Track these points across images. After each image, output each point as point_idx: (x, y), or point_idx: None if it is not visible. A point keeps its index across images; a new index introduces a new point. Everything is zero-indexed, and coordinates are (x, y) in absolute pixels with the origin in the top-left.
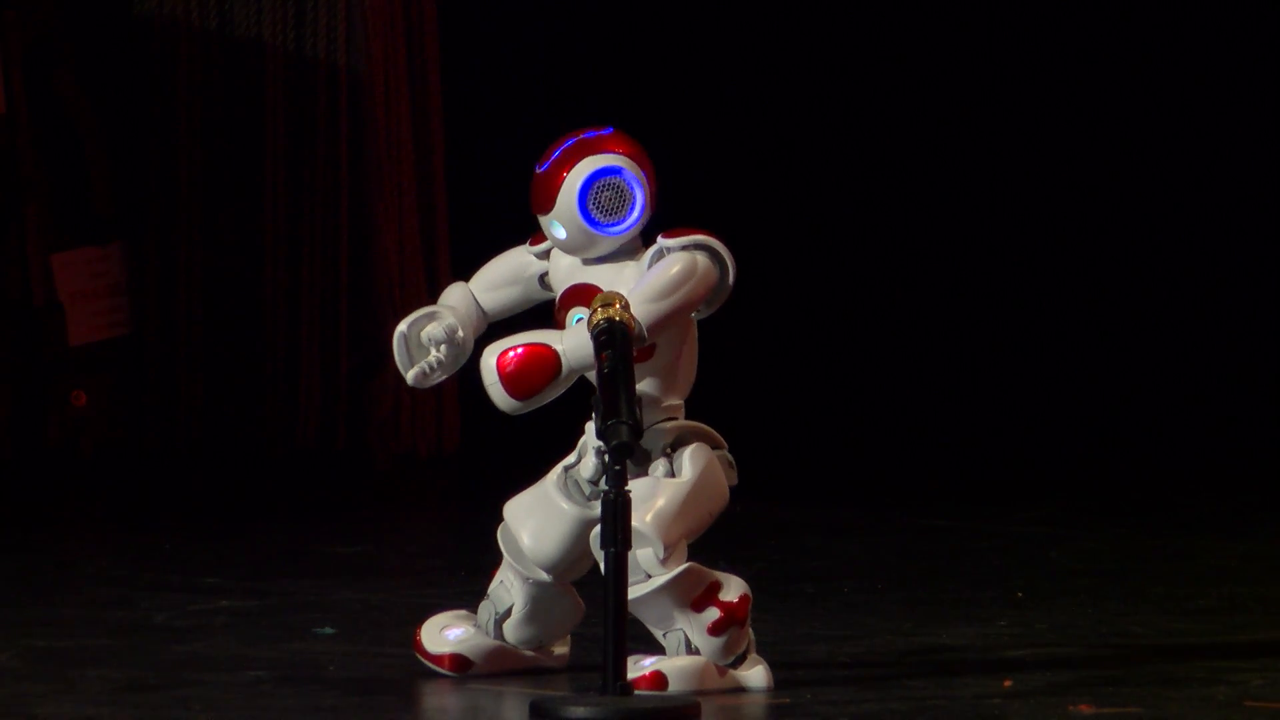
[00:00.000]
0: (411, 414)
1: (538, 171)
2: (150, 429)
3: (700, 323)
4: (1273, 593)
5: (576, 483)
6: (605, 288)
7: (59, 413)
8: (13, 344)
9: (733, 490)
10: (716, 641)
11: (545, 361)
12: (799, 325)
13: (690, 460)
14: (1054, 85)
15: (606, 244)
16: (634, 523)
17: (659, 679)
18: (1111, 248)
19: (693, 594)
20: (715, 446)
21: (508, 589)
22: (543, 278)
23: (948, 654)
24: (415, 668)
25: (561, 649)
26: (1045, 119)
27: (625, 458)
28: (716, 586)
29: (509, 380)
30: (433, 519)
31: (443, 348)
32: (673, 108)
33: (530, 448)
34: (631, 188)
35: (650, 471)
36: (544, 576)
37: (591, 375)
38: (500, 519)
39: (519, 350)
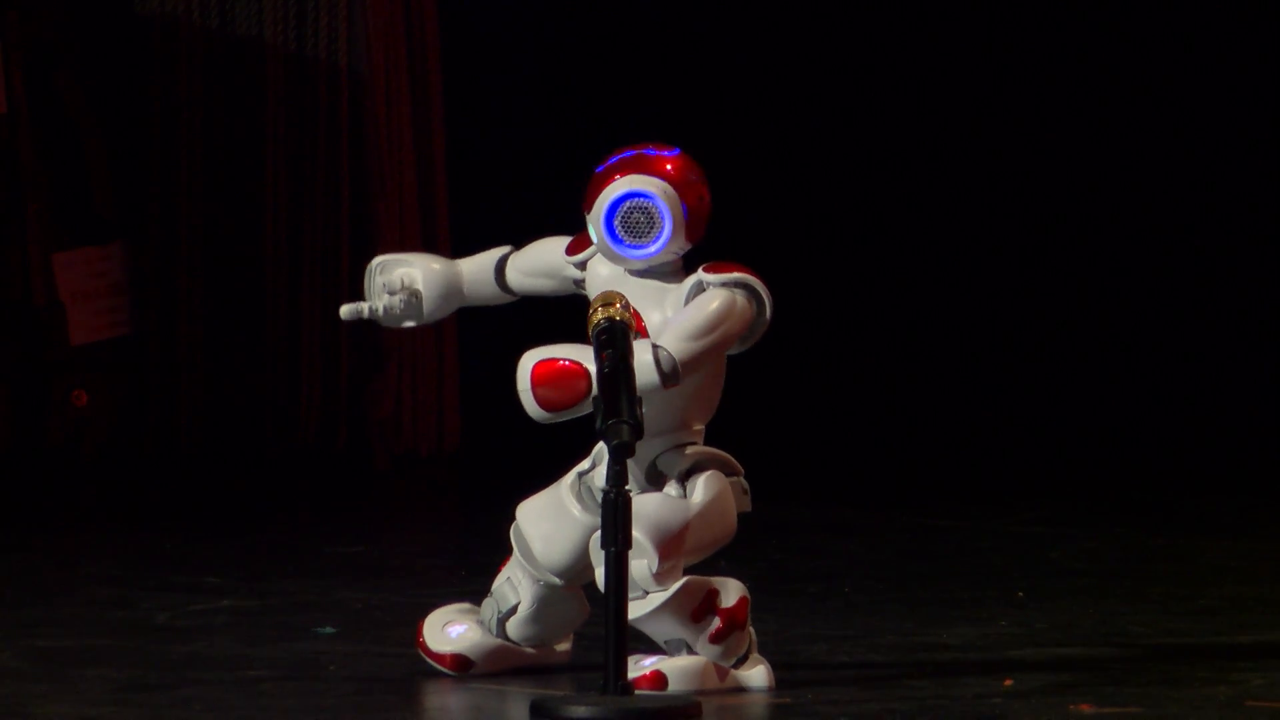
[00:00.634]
0: (412, 414)
1: (595, 171)
2: (150, 429)
3: None
4: (1273, 593)
5: (590, 490)
6: (649, 313)
7: (59, 413)
8: (13, 344)
9: (744, 517)
10: (718, 648)
11: (577, 382)
12: (799, 325)
13: (704, 486)
14: (1054, 85)
15: (632, 261)
16: (634, 532)
17: (659, 679)
18: (1112, 248)
19: (692, 606)
20: (732, 473)
21: (514, 587)
22: (578, 282)
23: (948, 654)
24: (416, 667)
25: (563, 646)
26: (1045, 119)
27: (625, 457)
28: (714, 594)
29: (539, 392)
30: (433, 519)
31: (395, 299)
32: (673, 107)
33: (530, 448)
34: (661, 216)
35: (663, 490)
36: (555, 580)
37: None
38: (512, 518)
39: (556, 364)
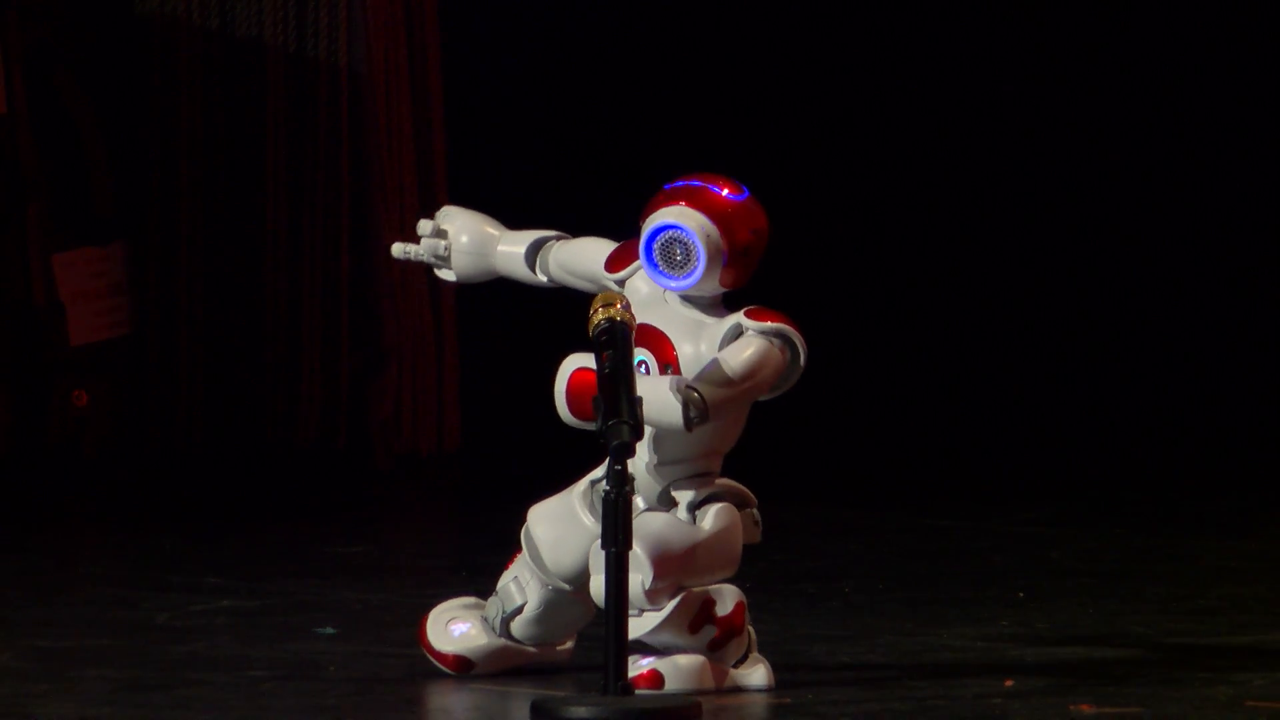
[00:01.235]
0: (413, 413)
1: (662, 188)
2: (151, 429)
3: None
4: (1273, 593)
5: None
6: (681, 344)
7: (60, 413)
8: (13, 344)
9: (751, 548)
10: (717, 654)
11: None
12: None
13: (714, 516)
14: (1053, 85)
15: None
16: (635, 546)
17: (655, 678)
18: (1112, 248)
19: (688, 619)
20: (745, 504)
21: (521, 587)
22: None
23: (948, 654)
24: (416, 667)
25: (565, 645)
26: (1044, 119)
27: (626, 458)
28: (710, 604)
29: (571, 398)
30: (433, 519)
31: (427, 244)
32: (673, 108)
33: (531, 448)
34: (696, 256)
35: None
36: (564, 586)
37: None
38: (521, 519)
39: (592, 377)
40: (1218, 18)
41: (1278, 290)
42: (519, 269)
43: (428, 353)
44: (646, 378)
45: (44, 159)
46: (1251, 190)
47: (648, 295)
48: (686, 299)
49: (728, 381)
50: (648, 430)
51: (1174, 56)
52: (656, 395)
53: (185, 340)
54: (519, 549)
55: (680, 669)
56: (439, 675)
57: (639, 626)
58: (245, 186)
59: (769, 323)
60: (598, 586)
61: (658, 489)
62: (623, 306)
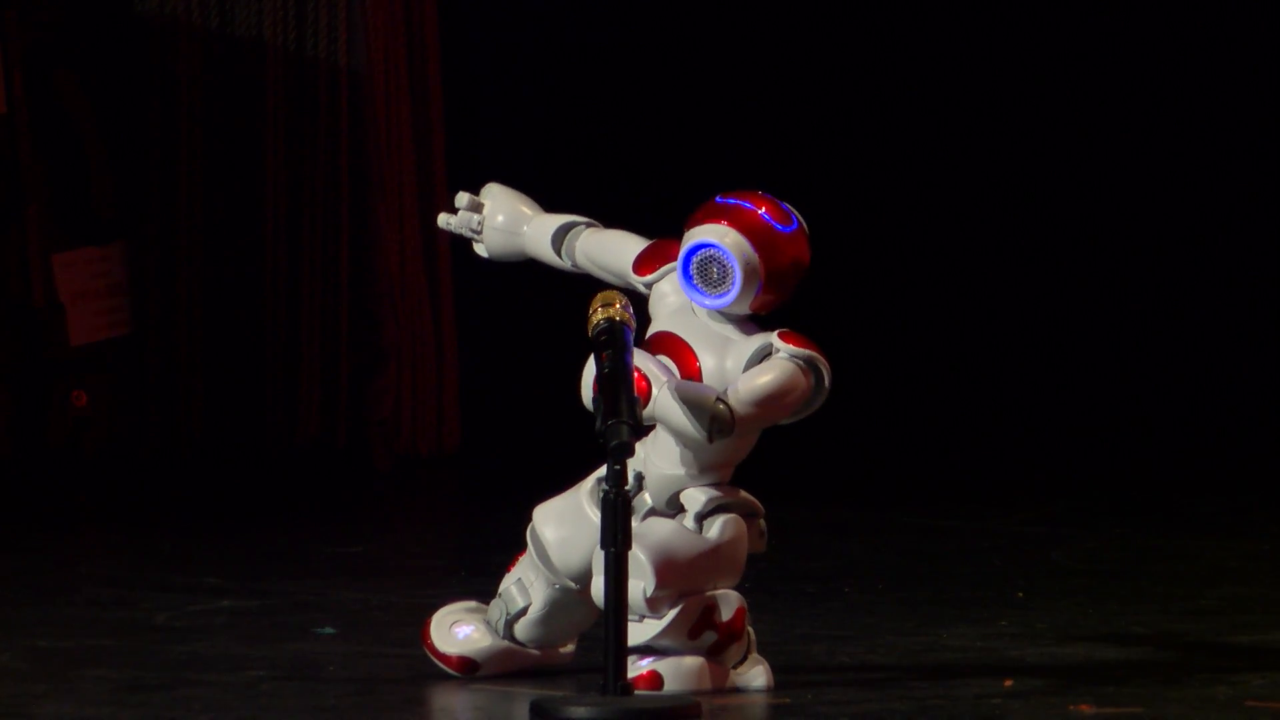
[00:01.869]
0: (412, 414)
1: (714, 200)
2: (151, 429)
3: None
4: (1273, 593)
5: None
6: (705, 356)
7: (59, 413)
8: (13, 344)
9: (755, 557)
10: (717, 657)
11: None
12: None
13: (721, 526)
14: (1052, 86)
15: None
16: (636, 548)
17: (654, 678)
18: (1112, 248)
19: (689, 625)
20: (753, 514)
21: (525, 588)
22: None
23: (948, 654)
24: (416, 667)
25: (567, 647)
26: (1044, 119)
27: (624, 457)
28: (712, 609)
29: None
30: (433, 519)
31: (463, 216)
32: (672, 108)
33: (531, 448)
34: (733, 279)
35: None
36: (571, 585)
37: (668, 428)
38: (526, 518)
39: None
40: (1218, 18)
41: (1277, 290)
42: (544, 250)
43: (427, 353)
44: (693, 383)
45: (44, 159)
46: (1251, 190)
47: (676, 304)
48: (714, 315)
49: (755, 401)
50: (669, 434)
51: (1174, 56)
52: (698, 401)
53: (185, 340)
54: (523, 550)
55: (680, 670)
56: (439, 675)
57: (639, 633)
58: (245, 186)
59: (802, 349)
60: (598, 587)
61: (666, 494)
62: (622, 306)
